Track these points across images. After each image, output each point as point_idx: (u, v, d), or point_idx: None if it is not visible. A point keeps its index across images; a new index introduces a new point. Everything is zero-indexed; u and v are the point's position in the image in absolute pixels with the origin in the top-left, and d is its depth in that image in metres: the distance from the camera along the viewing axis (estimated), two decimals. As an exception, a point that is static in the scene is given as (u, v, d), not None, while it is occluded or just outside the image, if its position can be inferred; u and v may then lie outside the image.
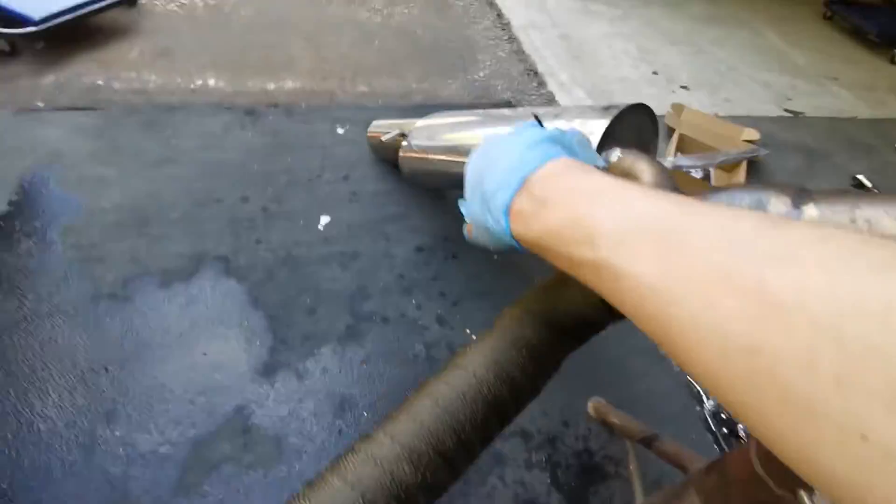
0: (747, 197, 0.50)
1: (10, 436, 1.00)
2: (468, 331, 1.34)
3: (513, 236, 0.38)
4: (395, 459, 0.48)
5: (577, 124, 1.04)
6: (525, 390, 0.59)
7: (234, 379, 1.16)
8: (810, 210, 0.44)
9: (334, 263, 1.44)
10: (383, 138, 1.55)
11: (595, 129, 1.01)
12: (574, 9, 3.05)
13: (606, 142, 1.03)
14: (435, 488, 0.50)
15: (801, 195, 0.46)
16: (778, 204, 0.47)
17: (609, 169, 1.06)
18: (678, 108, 2.23)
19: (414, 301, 1.39)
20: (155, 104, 1.79)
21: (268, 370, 1.19)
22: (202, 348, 1.19)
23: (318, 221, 1.53)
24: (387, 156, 1.69)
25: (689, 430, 1.28)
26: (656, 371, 1.37)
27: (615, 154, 1.11)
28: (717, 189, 0.56)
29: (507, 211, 0.37)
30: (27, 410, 1.04)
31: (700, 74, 2.75)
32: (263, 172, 1.63)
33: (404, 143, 1.48)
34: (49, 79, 1.79)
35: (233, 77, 2.00)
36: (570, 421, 1.23)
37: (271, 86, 2.01)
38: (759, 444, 0.68)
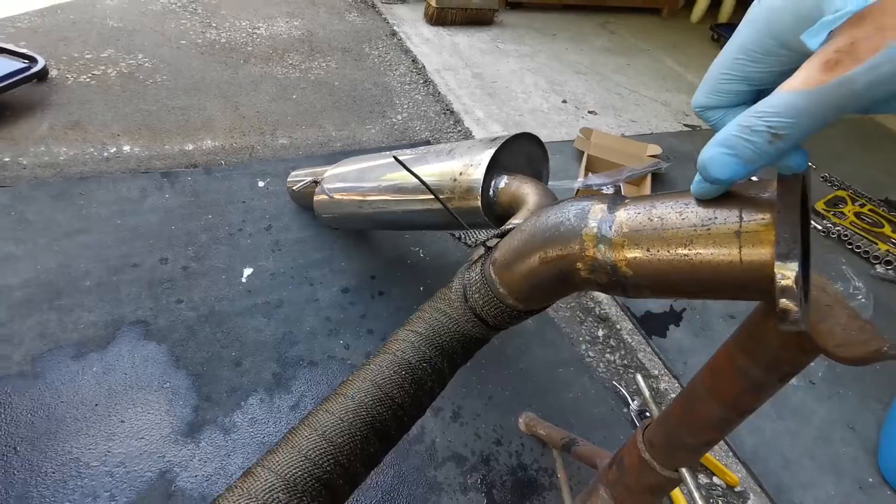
0: (575, 205, 0.57)
1: None
2: (397, 364, 1.36)
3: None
4: (270, 489, 0.50)
5: (467, 159, 1.12)
6: (407, 408, 0.62)
7: (155, 443, 1.13)
8: (621, 213, 0.51)
9: (258, 314, 1.44)
10: (295, 188, 1.59)
11: (483, 160, 1.09)
12: (485, 49, 3.24)
13: (494, 170, 1.11)
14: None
15: (615, 202, 0.53)
16: (597, 212, 0.54)
17: (498, 194, 1.13)
18: (587, 132, 2.39)
19: (342, 341, 1.41)
20: (66, 176, 1.77)
21: (192, 429, 1.17)
22: (120, 416, 1.16)
23: (241, 274, 1.54)
24: (307, 204, 1.72)
25: (618, 431, 1.33)
26: (582, 379, 1.42)
27: (503, 180, 1.18)
28: (565, 200, 0.63)
29: None
30: (-76, 507, 0.97)
31: (606, 99, 2.96)
32: (183, 232, 1.63)
33: (318, 189, 1.53)
34: (-51, 160, 1.74)
35: (149, 142, 2.00)
36: (502, 439, 1.25)
37: (189, 146, 2.02)
38: (645, 431, 0.74)
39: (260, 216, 1.74)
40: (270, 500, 0.49)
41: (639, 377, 0.82)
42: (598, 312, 1.63)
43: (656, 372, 1.47)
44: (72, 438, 1.11)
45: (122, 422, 1.15)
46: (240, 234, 1.66)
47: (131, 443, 1.12)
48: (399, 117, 2.46)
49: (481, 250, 0.71)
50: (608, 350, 1.53)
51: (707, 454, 1.28)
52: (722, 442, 1.34)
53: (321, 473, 0.52)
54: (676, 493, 1.18)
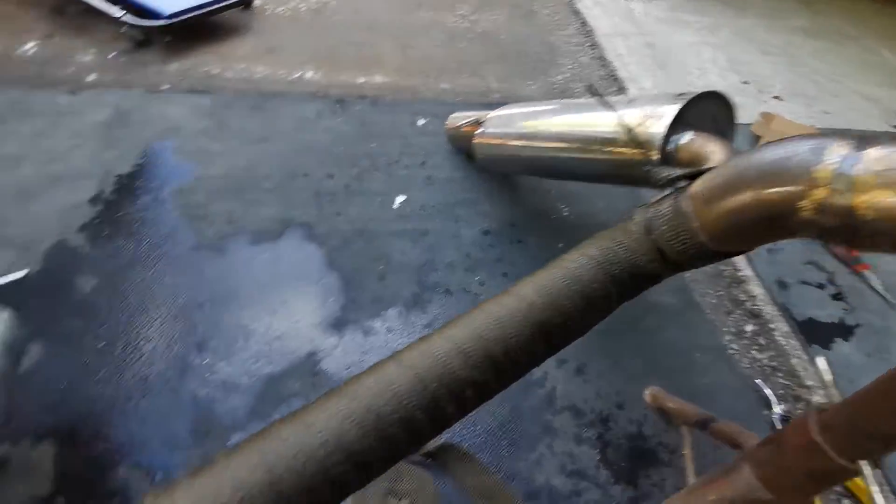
0: (809, 141, 0.52)
1: (119, 350, 1.16)
2: (528, 310, 1.37)
3: None
4: (448, 353, 0.54)
5: (649, 110, 1.06)
6: (573, 322, 0.62)
7: (307, 328, 1.27)
8: (873, 151, 0.46)
9: (406, 238, 1.52)
10: (459, 124, 1.63)
11: (667, 112, 1.03)
12: (662, 18, 3.01)
13: (678, 126, 1.04)
14: (482, 390, 0.55)
15: (863, 140, 0.47)
16: (839, 148, 0.48)
17: (678, 150, 1.08)
18: (768, 117, 2.14)
19: (477, 278, 1.45)
20: (260, 91, 1.99)
21: (338, 324, 1.29)
22: (282, 298, 1.31)
23: (393, 201, 1.63)
24: (463, 146, 1.77)
25: (753, 431, 1.22)
26: (722, 368, 1.33)
27: (687, 136, 1.12)
28: (782, 140, 0.58)
29: None
30: (134, 332, 1.20)
31: (796, 85, 2.62)
32: (348, 154, 1.76)
33: (479, 129, 1.55)
34: (174, 66, 2.04)
35: (328, 71, 2.18)
36: (624, 404, 1.22)
37: (361, 79, 2.16)
38: (819, 414, 0.67)
39: (416, 151, 1.82)
40: (447, 361, 0.53)
41: (821, 360, 0.74)
42: (749, 307, 1.49)
43: (810, 382, 1.32)
44: (243, 307, 1.28)
45: (284, 302, 1.30)
46: (397, 164, 1.76)
47: (288, 322, 1.27)
48: (560, 77, 2.40)
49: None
50: (755, 347, 1.40)
51: (859, 482, 1.14)
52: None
53: (492, 353, 0.55)
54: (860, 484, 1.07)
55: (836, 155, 0.47)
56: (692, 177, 0.64)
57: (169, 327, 1.22)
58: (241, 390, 1.13)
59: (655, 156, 0.99)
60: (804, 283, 1.56)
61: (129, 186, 1.53)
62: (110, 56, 2.02)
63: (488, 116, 1.53)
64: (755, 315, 1.48)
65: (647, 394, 1.22)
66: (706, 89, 1.05)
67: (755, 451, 0.75)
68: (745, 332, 1.44)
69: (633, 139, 1.04)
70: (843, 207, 0.45)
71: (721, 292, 1.54)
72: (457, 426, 1.13)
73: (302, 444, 0.46)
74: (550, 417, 1.18)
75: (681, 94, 1.05)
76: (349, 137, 1.83)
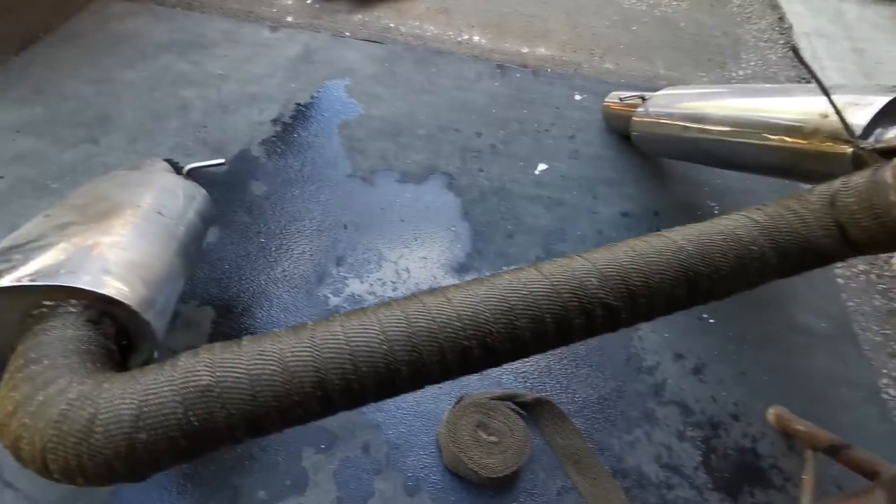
0: None
1: (273, 248, 1.33)
2: (653, 298, 1.31)
3: None
4: (587, 272, 0.55)
5: (851, 98, 0.95)
6: (722, 279, 0.60)
7: (433, 266, 1.34)
8: None
9: (540, 204, 1.53)
10: (622, 96, 1.58)
11: (875, 101, 0.91)
12: (880, 25, 2.60)
13: (885, 119, 0.92)
14: (613, 315, 0.56)
15: None
16: None
17: (879, 145, 0.96)
18: None
19: (606, 256, 1.41)
20: (428, 48, 2.09)
21: (461, 269, 1.35)
22: (416, 234, 1.40)
23: (535, 167, 1.64)
24: (618, 126, 1.71)
25: (895, 489, 1.06)
26: (871, 411, 1.16)
27: (894, 130, 0.99)
28: None
29: None
30: (288, 237, 1.36)
31: None
32: (499, 117, 1.80)
33: (640, 108, 1.49)
34: (357, 17, 2.22)
35: (494, 37, 2.22)
36: (741, 417, 1.13)
37: (525, 49, 2.18)
38: None
39: (568, 124, 1.80)
40: (584, 279, 0.54)
41: None
42: (923, 356, 1.28)
43: None
44: (380, 235, 1.39)
45: (417, 238, 1.39)
46: (546, 133, 1.76)
47: (418, 256, 1.35)
48: (741, 73, 2.19)
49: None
50: (920, 400, 1.20)
51: None
52: None
53: (630, 282, 0.55)
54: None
55: None
56: (897, 151, 0.58)
57: (316, 239, 1.36)
58: (364, 305, 1.24)
59: (846, 148, 0.88)
60: None
61: (304, 114, 1.71)
62: (308, 2, 2.25)
63: (654, 94, 1.46)
64: (929, 366, 1.26)
65: (772, 412, 1.12)
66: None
67: (892, 480, 0.67)
68: (911, 381, 1.24)
69: (823, 134, 0.93)
70: None
71: (889, 332, 1.33)
72: (555, 388, 1.13)
73: (440, 311, 0.50)
74: (654, 406, 1.13)
75: (894, 87, 0.92)
76: (503, 101, 1.86)
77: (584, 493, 0.99)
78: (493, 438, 0.99)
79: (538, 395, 1.09)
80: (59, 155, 1.49)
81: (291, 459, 1.00)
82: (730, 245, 0.58)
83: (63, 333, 0.52)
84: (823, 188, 0.59)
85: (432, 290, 0.53)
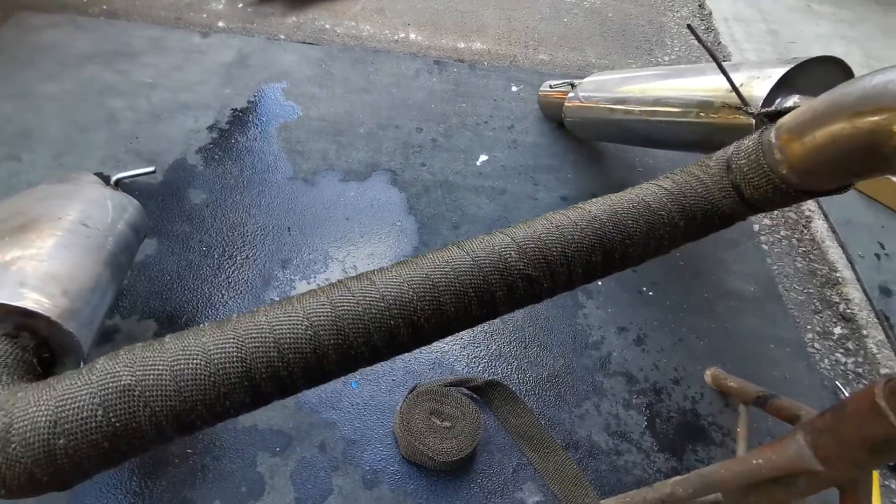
0: None
1: (216, 256, 1.30)
2: (595, 277, 1.36)
3: None
4: (506, 247, 0.57)
5: (754, 72, 1.02)
6: (634, 244, 0.63)
7: (381, 262, 1.35)
8: None
9: (483, 194, 1.56)
10: (551, 84, 1.63)
11: (773, 73, 0.98)
12: (793, 6, 2.77)
13: (785, 89, 0.99)
14: (535, 286, 0.58)
15: None
16: None
17: (765, 110, 1.01)
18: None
19: (549, 240, 1.45)
20: (365, 47, 2.09)
21: (408, 262, 1.36)
22: (360, 232, 1.40)
23: (476, 158, 1.67)
24: (554, 114, 1.77)
25: (822, 434, 1.14)
26: (796, 365, 1.25)
27: (792, 100, 1.06)
28: (885, 67, 0.55)
29: None
30: (231, 243, 1.34)
31: (942, 90, 2.32)
32: (439, 112, 1.82)
33: (570, 94, 1.55)
34: (291, 19, 2.20)
35: (430, 34, 2.24)
36: (682, 381, 1.19)
37: (461, 44, 2.21)
38: (888, 381, 0.63)
39: (506, 115, 1.84)
40: (504, 253, 0.56)
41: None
42: (842, 310, 1.38)
43: (900, 396, 1.20)
44: (325, 235, 1.39)
45: (361, 237, 1.39)
46: (485, 125, 1.79)
47: (364, 253, 1.36)
48: (666, 59, 2.30)
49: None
50: (841, 350, 1.30)
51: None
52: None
53: (548, 254, 0.57)
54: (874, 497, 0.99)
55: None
56: (784, 113, 0.62)
57: (260, 243, 1.35)
58: (315, 305, 1.23)
59: (749, 120, 0.95)
60: (913, 294, 1.42)
61: (241, 119, 1.68)
62: (239, 6, 2.21)
63: (582, 81, 1.51)
64: (847, 319, 1.37)
65: (708, 374, 1.18)
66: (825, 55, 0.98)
67: (813, 420, 0.73)
68: (832, 333, 1.34)
69: (731, 108, 1.00)
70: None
71: (811, 290, 1.43)
72: (506, 370, 1.16)
73: (365, 294, 0.51)
74: (602, 379, 1.18)
75: (793, 59, 0.99)
76: (442, 96, 1.89)
77: (538, 468, 1.02)
78: (446, 424, 1.01)
79: (489, 378, 1.12)
80: (-22, 175, 1.41)
81: (246, 465, 0.99)
82: (640, 212, 0.61)
83: (-25, 348, 0.50)
84: (720, 153, 0.64)
85: (357, 276, 0.55)
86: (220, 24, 2.11)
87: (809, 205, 1.66)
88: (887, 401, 0.61)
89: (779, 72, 0.94)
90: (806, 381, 1.22)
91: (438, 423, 1.01)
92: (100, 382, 0.43)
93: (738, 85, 0.98)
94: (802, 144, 0.55)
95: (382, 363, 1.11)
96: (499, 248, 0.57)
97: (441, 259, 0.55)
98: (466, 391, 1.09)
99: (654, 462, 1.06)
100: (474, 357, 1.19)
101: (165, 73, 1.81)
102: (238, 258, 1.31)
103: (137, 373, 0.44)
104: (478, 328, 1.24)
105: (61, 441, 0.41)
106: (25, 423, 0.41)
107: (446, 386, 1.07)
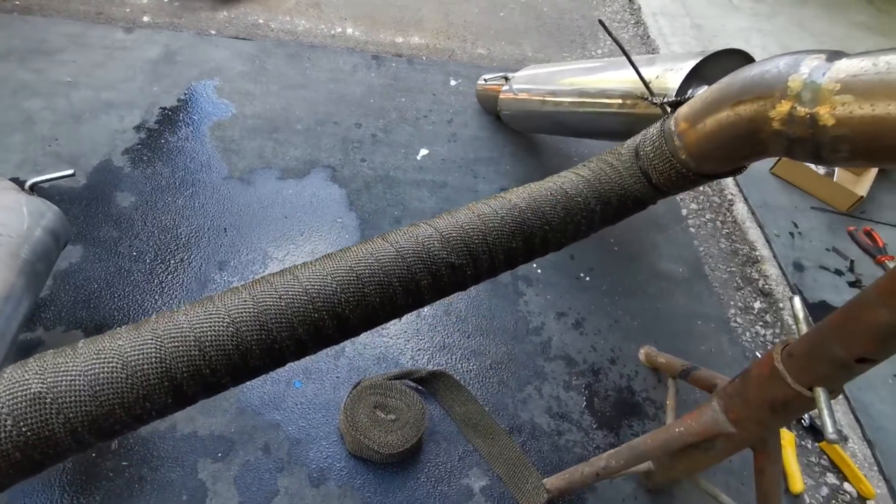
0: (788, 56, 0.55)
1: (149, 260, 1.26)
2: (535, 265, 1.41)
3: None
4: (429, 237, 0.59)
5: (669, 65, 1.07)
6: (553, 229, 0.66)
7: (321, 259, 1.34)
8: (842, 62, 0.48)
9: (424, 188, 1.57)
10: (486, 77, 1.65)
11: (685, 66, 1.04)
12: (715, 2, 2.93)
13: (696, 80, 1.05)
14: (458, 273, 0.60)
15: (837, 53, 0.50)
16: (812, 61, 0.51)
17: (668, 100, 1.06)
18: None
19: (489, 231, 1.49)
20: (300, 43, 2.06)
21: (350, 259, 1.35)
22: (301, 230, 1.39)
23: (417, 152, 1.68)
24: (491, 107, 1.80)
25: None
26: (720, 338, 1.33)
27: (702, 89, 1.13)
28: (765, 59, 0.60)
29: None
30: (164, 247, 1.29)
31: (846, 79, 2.52)
32: (378, 107, 1.82)
33: (505, 87, 1.58)
34: (223, 14, 2.13)
35: (367, 29, 2.23)
36: (617, 360, 1.25)
37: (399, 39, 2.20)
38: (785, 345, 0.69)
39: (445, 109, 1.86)
40: (428, 243, 0.57)
41: (796, 300, 0.75)
42: (760, 286, 1.48)
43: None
44: (264, 235, 1.36)
45: (301, 234, 1.38)
46: (424, 119, 1.80)
47: (304, 252, 1.34)
48: (599, 52, 2.38)
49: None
50: (760, 323, 1.40)
51: (847, 458, 1.14)
52: (867, 451, 1.17)
53: (470, 242, 0.59)
54: (788, 457, 1.08)
55: (807, 66, 0.49)
56: (683, 103, 0.67)
57: (194, 246, 1.31)
58: (254, 306, 1.21)
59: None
60: (823, 268, 1.54)
61: (171, 118, 1.62)
62: (165, 0, 2.11)
63: (515, 75, 1.55)
64: (765, 294, 1.47)
65: (642, 352, 1.25)
66: (732, 48, 1.05)
67: (725, 387, 0.78)
68: (753, 308, 1.44)
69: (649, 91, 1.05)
70: (808, 116, 0.48)
71: (733, 269, 1.53)
72: (450, 360, 1.19)
73: (288, 289, 0.52)
74: (543, 363, 1.22)
75: (701, 52, 1.06)
76: (381, 91, 1.88)
77: (483, 453, 1.05)
78: (391, 416, 1.02)
79: (433, 369, 1.13)
80: None
81: (187, 473, 0.97)
82: (558, 199, 0.64)
83: None
84: (630, 141, 0.68)
85: (280, 271, 0.55)
86: (146, 18, 2.01)
87: (731, 189, 1.76)
88: (784, 364, 0.67)
89: (689, 64, 1.00)
90: (729, 353, 1.31)
91: (383, 416, 1.02)
92: (8, 392, 0.42)
93: (654, 77, 1.04)
94: (696, 131, 0.59)
95: (326, 361, 1.11)
96: (422, 238, 0.58)
97: (365, 251, 0.56)
98: (411, 383, 1.11)
99: (593, 439, 1.11)
100: (419, 349, 1.20)
101: (86, 70, 1.72)
102: (172, 262, 1.27)
103: (48, 380, 0.43)
104: (421, 320, 1.25)
105: (-36, 456, 0.39)
106: None
107: (390, 379, 1.08)
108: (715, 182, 1.79)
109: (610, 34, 0.78)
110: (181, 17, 2.06)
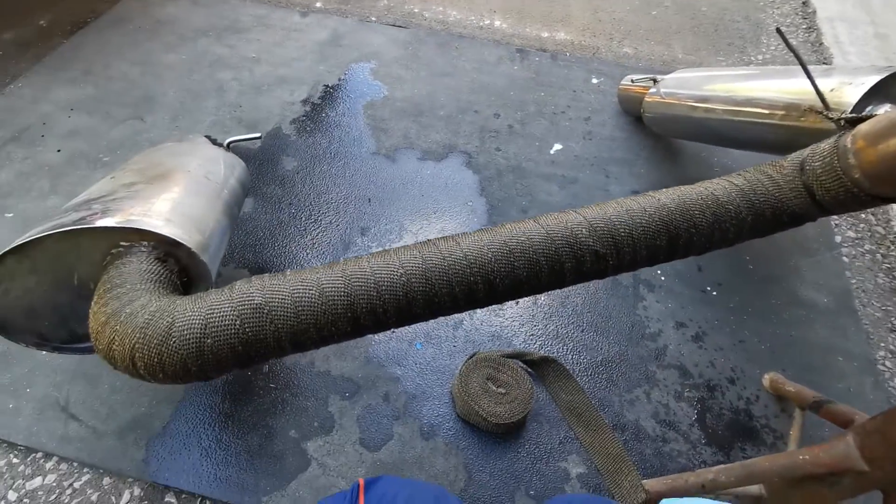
0: None
1: (303, 218, 1.44)
2: (659, 271, 1.38)
3: None
4: (578, 224, 0.64)
5: (846, 78, 1.00)
6: (699, 231, 0.67)
7: (450, 237, 1.43)
8: None
9: (554, 182, 1.60)
10: (633, 78, 1.63)
11: (867, 80, 0.96)
12: (909, 8, 2.56)
13: (875, 97, 0.97)
14: (601, 261, 0.64)
15: None
16: None
17: (846, 115, 1.01)
18: None
19: (615, 231, 1.48)
20: (450, 32, 2.17)
21: (477, 240, 1.43)
22: (435, 209, 1.49)
23: (550, 147, 1.71)
24: (632, 109, 1.77)
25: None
26: (865, 380, 1.22)
27: (884, 108, 1.05)
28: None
29: None
30: (317, 208, 1.47)
31: None
32: (518, 99, 1.87)
33: (652, 89, 1.55)
34: (383, 2, 2.30)
35: (515, 22, 2.28)
36: (737, 381, 1.20)
37: (545, 34, 2.23)
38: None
39: (584, 106, 1.86)
40: (576, 229, 0.62)
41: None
42: (922, 331, 1.32)
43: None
44: (401, 208, 1.49)
45: (436, 212, 1.48)
46: (562, 115, 1.82)
47: (436, 229, 1.45)
48: (760, 58, 2.21)
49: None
50: (916, 372, 1.25)
51: None
52: None
53: (616, 233, 0.63)
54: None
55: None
56: (863, 120, 0.64)
57: (342, 211, 1.47)
58: (388, 271, 1.34)
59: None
60: None
61: (332, 95, 1.81)
62: (336, -13, 2.34)
63: (665, 78, 1.51)
64: (927, 341, 1.31)
65: (767, 378, 1.19)
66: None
67: (864, 423, 0.74)
68: (908, 354, 1.29)
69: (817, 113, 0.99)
70: None
71: (890, 308, 1.38)
72: (562, 350, 1.22)
73: (451, 253, 0.59)
74: (655, 369, 1.21)
75: (890, 66, 0.97)
76: (522, 84, 1.93)
77: (584, 442, 1.08)
78: (501, 390, 1.08)
79: (545, 354, 1.18)
80: (109, 131, 1.62)
81: (319, 405, 1.12)
82: (707, 204, 0.65)
83: (139, 266, 0.62)
84: (795, 155, 0.66)
85: (445, 237, 0.63)
86: (318, 4, 2.24)
87: (900, 220, 1.58)
88: (942, 407, 0.62)
89: (872, 79, 0.92)
90: (871, 397, 1.19)
91: (494, 388, 1.08)
92: (239, 299, 0.54)
93: (829, 90, 0.98)
94: (877, 151, 0.57)
95: (445, 329, 1.21)
96: (571, 225, 0.63)
97: (518, 229, 0.62)
98: (522, 364, 1.16)
99: (700, 454, 1.09)
100: (532, 335, 1.25)
101: (268, 48, 1.97)
102: (322, 222, 1.44)
103: (266, 295, 0.55)
104: (537, 308, 1.30)
105: (209, 341, 0.52)
106: (183, 323, 0.53)
107: (504, 357, 1.15)
108: (881, 211, 1.61)
109: (787, 43, 0.76)
110: (348, 4, 2.26)
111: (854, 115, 0.65)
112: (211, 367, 0.54)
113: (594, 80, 1.98)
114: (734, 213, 0.66)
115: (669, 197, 0.66)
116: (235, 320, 0.54)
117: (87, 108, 1.69)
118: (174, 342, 0.53)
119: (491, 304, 0.62)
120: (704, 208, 0.66)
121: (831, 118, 0.67)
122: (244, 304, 0.54)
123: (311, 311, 0.55)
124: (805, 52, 2.26)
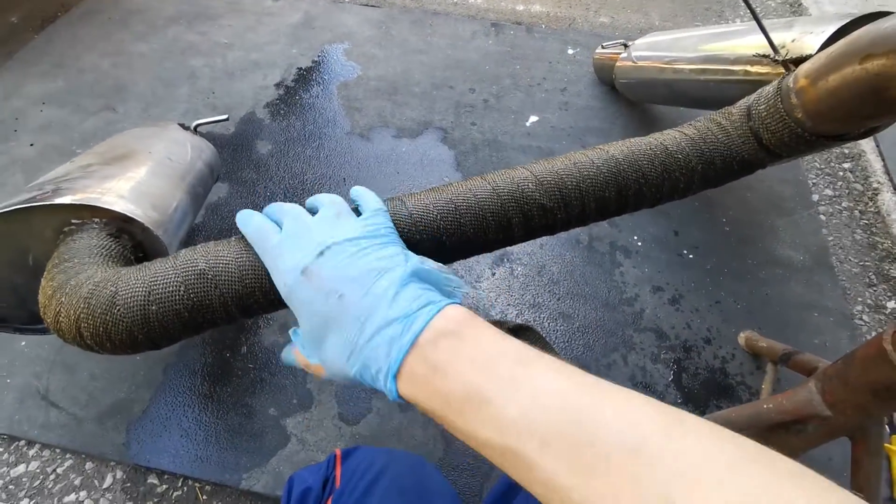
0: None
1: (278, 200, 1.43)
2: (635, 237, 1.38)
3: (399, 396, 0.34)
4: (525, 179, 0.63)
5: (808, 27, 0.99)
6: (649, 184, 0.67)
7: (426, 213, 1.43)
8: None
9: (531, 153, 1.60)
10: (604, 45, 1.62)
11: (827, 29, 0.96)
12: (889, -35, 2.53)
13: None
14: (547, 213, 0.64)
15: None
16: None
17: (789, 56, 1.00)
18: None
19: (592, 200, 1.48)
20: (424, 9, 2.14)
21: (453, 215, 1.43)
22: (411, 185, 1.49)
23: (526, 119, 1.70)
24: (608, 77, 1.75)
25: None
26: (839, 334, 1.23)
27: None
28: None
29: (396, 374, 0.33)
30: (295, 192, 1.46)
31: None
32: (493, 74, 1.85)
33: (623, 55, 1.54)
34: (357, -18, 2.27)
35: (490, -4, 2.25)
36: (713, 341, 1.20)
37: (520, 7, 2.21)
38: (897, 328, 0.65)
39: (560, 78, 1.85)
40: (523, 184, 0.62)
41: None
42: (899, 285, 1.33)
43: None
44: (377, 187, 1.48)
45: (411, 189, 1.48)
46: (537, 87, 1.81)
47: (412, 204, 1.44)
48: (738, 21, 2.19)
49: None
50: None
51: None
52: None
53: (564, 186, 0.63)
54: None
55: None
56: (806, 59, 0.63)
57: (318, 191, 1.46)
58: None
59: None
60: (983, 273, 1.34)
61: (305, 77, 1.79)
62: (307, -31, 2.30)
63: (636, 41, 1.50)
64: (903, 294, 1.31)
65: (742, 336, 1.19)
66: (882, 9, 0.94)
67: (825, 369, 0.75)
68: (885, 307, 1.30)
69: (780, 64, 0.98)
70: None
71: (868, 263, 1.38)
72: (539, 318, 1.23)
73: (395, 212, 0.59)
74: (632, 333, 1.21)
75: (849, 14, 0.96)
76: (497, 58, 1.91)
77: (561, 407, 1.09)
78: (477, 359, 1.09)
79: (521, 322, 1.18)
80: (81, 123, 1.61)
81: (298, 382, 1.12)
82: (657, 154, 0.65)
83: (89, 242, 0.62)
84: (742, 101, 0.66)
85: (391, 198, 0.63)
86: (290, -13, 2.21)
87: (879, 176, 1.57)
88: (894, 345, 0.62)
89: (833, 26, 0.91)
90: (848, 350, 1.20)
91: (469, 358, 1.09)
92: (182, 266, 0.54)
93: (790, 40, 0.97)
94: (816, 88, 0.57)
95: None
96: (518, 179, 0.63)
97: (465, 187, 0.62)
98: (498, 333, 1.17)
99: (675, 412, 1.10)
100: (509, 304, 1.26)
101: (240, 33, 1.95)
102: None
103: (210, 261, 0.55)
104: (514, 278, 1.30)
105: (153, 308, 0.52)
106: (127, 292, 0.53)
107: (479, 327, 1.15)
108: (859, 168, 1.61)
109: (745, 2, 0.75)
110: (320, -14, 2.23)
111: (797, 55, 0.65)
112: (158, 334, 0.54)
113: (570, 51, 1.96)
114: (683, 162, 0.66)
115: (618, 149, 0.66)
116: (180, 287, 0.54)
117: (59, 101, 1.68)
118: (118, 311, 0.53)
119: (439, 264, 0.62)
120: (653, 158, 0.65)
121: (777, 60, 0.67)
122: (188, 271, 0.55)
123: (254, 275, 0.55)
124: (783, 13, 2.24)
